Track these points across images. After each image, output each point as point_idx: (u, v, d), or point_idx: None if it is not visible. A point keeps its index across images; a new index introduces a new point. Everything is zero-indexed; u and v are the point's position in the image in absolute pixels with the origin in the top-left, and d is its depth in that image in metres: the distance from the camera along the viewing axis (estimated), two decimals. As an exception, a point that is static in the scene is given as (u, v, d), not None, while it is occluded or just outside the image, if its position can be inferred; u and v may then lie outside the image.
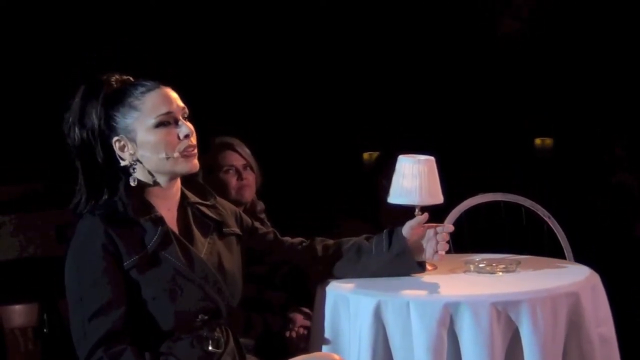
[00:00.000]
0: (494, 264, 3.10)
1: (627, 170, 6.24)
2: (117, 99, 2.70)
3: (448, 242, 3.00)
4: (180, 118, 2.71)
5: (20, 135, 5.44)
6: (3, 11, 5.50)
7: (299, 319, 3.73)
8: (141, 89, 2.70)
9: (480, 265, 3.10)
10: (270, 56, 6.33)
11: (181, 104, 2.73)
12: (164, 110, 2.68)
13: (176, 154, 2.69)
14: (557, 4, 6.74)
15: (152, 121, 2.67)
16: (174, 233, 2.72)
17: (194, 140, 2.73)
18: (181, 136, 2.70)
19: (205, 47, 6.17)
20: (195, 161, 2.75)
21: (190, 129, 2.71)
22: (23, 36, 5.59)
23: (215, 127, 4.07)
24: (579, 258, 3.60)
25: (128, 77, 2.79)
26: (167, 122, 2.69)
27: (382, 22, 6.58)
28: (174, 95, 2.73)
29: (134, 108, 2.68)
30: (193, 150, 2.73)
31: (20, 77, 5.53)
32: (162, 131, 2.68)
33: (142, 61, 5.69)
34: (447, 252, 3.02)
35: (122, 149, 2.70)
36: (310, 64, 6.42)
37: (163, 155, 2.68)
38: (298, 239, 3.11)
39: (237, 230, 2.92)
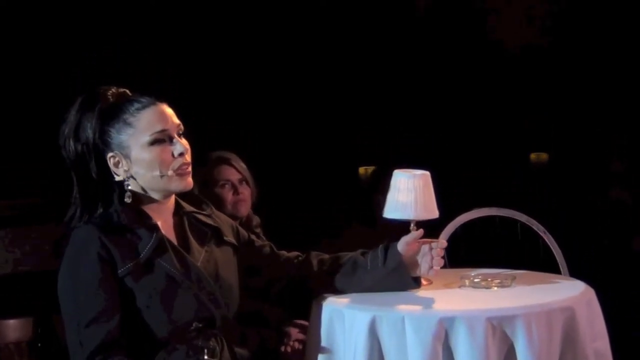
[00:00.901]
0: (489, 279, 3.10)
1: (623, 185, 6.25)
2: (113, 114, 2.70)
3: (443, 257, 3.00)
4: (175, 135, 2.71)
5: (19, 148, 5.43)
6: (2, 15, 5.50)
7: (294, 332, 3.73)
8: (137, 105, 2.70)
9: (476, 280, 3.10)
10: (269, 66, 6.33)
11: (176, 120, 2.74)
12: (158, 128, 2.68)
13: (170, 172, 2.69)
14: (554, 18, 6.75)
15: (147, 139, 2.68)
16: (169, 241, 2.72)
17: (188, 157, 2.73)
18: (176, 154, 2.70)
19: (206, 51, 6.17)
20: (190, 179, 2.75)
21: (185, 146, 2.72)
22: (21, 44, 5.58)
23: (213, 127, 4.06)
24: (574, 273, 3.60)
25: (125, 90, 2.79)
26: (161, 139, 2.69)
27: (378, 37, 6.59)
28: (169, 112, 2.73)
29: (129, 125, 2.68)
30: (187, 168, 2.73)
31: (18, 87, 5.53)
32: (156, 149, 2.68)
33: (142, 61, 5.69)
34: (443, 266, 3.02)
35: (116, 165, 2.71)
36: (306, 77, 6.42)
37: (157, 173, 2.68)
38: (294, 253, 3.11)
39: (234, 242, 2.93)
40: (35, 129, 5.02)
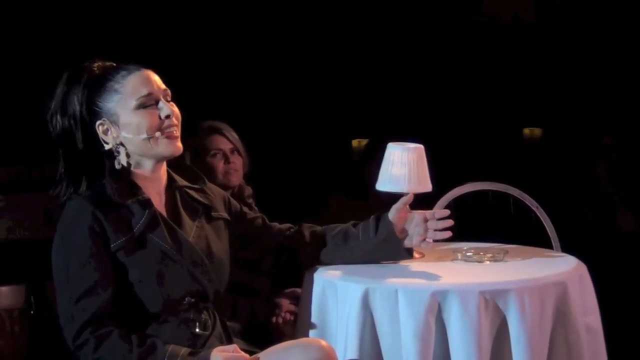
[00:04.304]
0: (481, 253, 3.11)
1: (615, 161, 6.25)
2: (99, 84, 2.72)
3: (443, 230, 2.97)
4: (162, 99, 2.72)
5: (12, 115, 5.43)
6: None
7: (285, 304, 3.73)
8: (122, 73, 2.72)
9: (468, 254, 3.10)
10: (261, 42, 6.31)
11: (162, 85, 2.76)
12: (144, 92, 2.69)
13: (157, 134, 2.70)
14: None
15: (134, 103, 2.69)
16: (161, 215, 2.72)
17: (176, 121, 2.74)
18: (162, 116, 2.71)
19: (195, 30, 6.15)
20: (179, 144, 2.75)
21: (171, 109, 2.72)
22: (7, 22, 5.56)
23: (204, 111, 4.07)
24: (566, 248, 3.61)
25: (111, 63, 2.79)
26: (148, 103, 2.70)
27: (370, 11, 6.57)
28: (154, 77, 2.75)
29: (115, 91, 2.70)
30: (175, 132, 2.73)
31: (10, 55, 5.51)
32: (143, 112, 2.69)
33: (136, 51, 5.68)
34: (435, 240, 3.01)
35: (105, 132, 2.71)
36: (299, 50, 6.41)
37: (145, 135, 2.69)
38: (286, 225, 3.11)
39: (226, 215, 2.93)
40: (29, 97, 5.01)
